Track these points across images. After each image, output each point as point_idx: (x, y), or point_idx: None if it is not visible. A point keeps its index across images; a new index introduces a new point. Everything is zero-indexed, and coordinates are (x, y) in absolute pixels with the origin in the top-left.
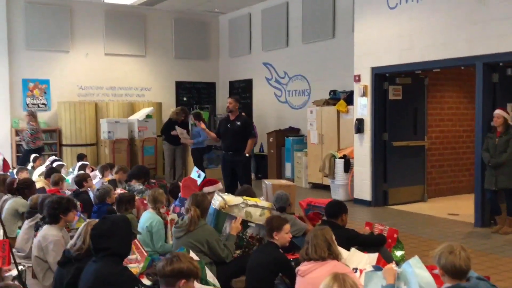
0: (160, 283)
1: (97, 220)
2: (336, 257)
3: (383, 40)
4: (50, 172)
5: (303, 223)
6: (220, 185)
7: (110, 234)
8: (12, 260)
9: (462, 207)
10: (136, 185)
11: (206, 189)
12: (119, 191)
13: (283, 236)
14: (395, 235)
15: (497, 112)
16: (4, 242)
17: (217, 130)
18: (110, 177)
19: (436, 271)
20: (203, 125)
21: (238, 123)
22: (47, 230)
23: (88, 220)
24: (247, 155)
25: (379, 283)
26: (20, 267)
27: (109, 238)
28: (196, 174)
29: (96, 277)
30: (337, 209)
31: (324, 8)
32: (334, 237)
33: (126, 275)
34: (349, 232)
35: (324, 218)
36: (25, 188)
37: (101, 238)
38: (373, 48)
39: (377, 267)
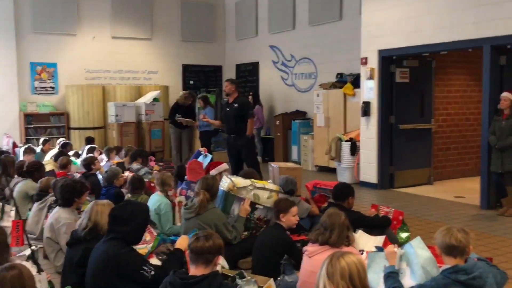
0: (195, 261)
1: (104, 201)
2: (349, 244)
3: (391, 23)
4: (59, 155)
5: (307, 204)
6: (224, 166)
7: (127, 221)
8: (25, 241)
9: (468, 190)
10: (134, 165)
11: (212, 172)
12: (127, 174)
13: (290, 219)
14: (400, 217)
15: (504, 94)
16: (18, 223)
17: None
18: (117, 159)
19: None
20: (206, 118)
21: (236, 105)
22: (59, 213)
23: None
24: (249, 136)
25: (381, 263)
26: (32, 247)
27: (125, 224)
28: (202, 156)
29: (104, 258)
30: (344, 192)
31: None
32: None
33: (133, 256)
34: (355, 215)
35: (331, 200)
36: (34, 171)
37: (118, 222)
38: (380, 31)
39: (380, 248)
